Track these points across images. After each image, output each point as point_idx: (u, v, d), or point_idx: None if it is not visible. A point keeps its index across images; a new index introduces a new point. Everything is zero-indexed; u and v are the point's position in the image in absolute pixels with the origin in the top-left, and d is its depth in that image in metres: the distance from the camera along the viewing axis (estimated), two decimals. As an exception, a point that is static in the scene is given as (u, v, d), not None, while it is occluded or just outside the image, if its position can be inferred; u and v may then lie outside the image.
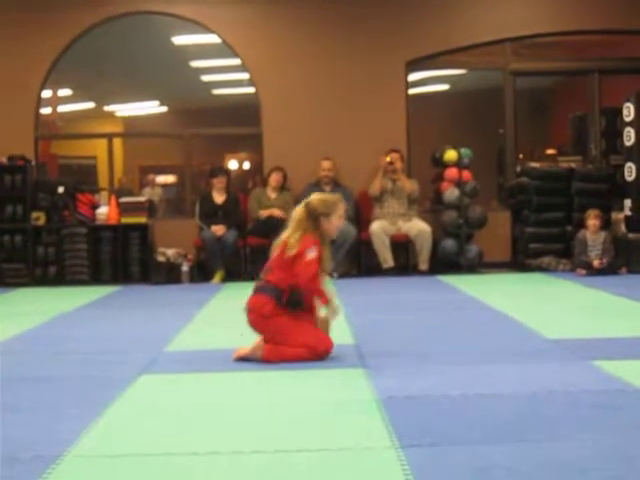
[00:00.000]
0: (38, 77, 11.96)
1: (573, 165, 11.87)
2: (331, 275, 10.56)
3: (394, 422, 3.74)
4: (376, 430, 3.64)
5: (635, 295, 8.29)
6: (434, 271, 11.09)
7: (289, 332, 5.28)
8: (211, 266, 11.06)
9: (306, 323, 5.35)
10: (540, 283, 10.06)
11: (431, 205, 12.02)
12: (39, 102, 12.12)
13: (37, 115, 12.12)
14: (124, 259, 11.18)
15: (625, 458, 3.17)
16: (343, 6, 11.98)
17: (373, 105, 11.86)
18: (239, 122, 12.76)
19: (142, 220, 11.28)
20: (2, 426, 3.83)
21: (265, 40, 12.03)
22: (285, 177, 11.43)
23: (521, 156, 12.95)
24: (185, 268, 11.02)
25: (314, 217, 5.34)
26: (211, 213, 11.22)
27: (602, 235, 10.64)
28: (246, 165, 16.00)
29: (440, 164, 11.72)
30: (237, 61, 12.17)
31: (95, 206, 11.44)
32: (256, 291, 5.45)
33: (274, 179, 11.42)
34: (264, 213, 11.13)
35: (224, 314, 8.01)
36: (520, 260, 11.54)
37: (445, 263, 11.37)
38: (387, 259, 11.09)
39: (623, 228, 11.14)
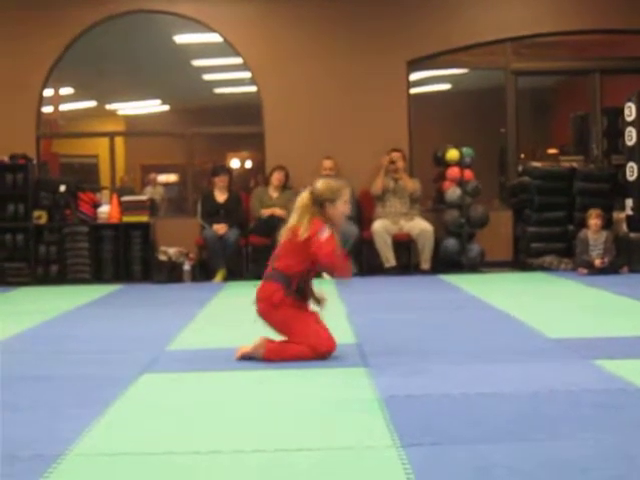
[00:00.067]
0: (39, 76, 11.97)
1: (575, 165, 11.87)
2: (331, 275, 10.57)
3: (395, 421, 3.73)
4: (377, 429, 3.64)
5: (637, 294, 8.28)
6: (436, 270, 11.09)
7: (295, 326, 5.27)
8: (213, 265, 11.06)
9: (312, 318, 5.34)
10: (542, 282, 10.06)
11: (433, 204, 12.03)
12: (41, 101, 12.12)
13: (39, 114, 12.13)
14: (126, 258, 11.18)
15: (627, 457, 3.16)
16: (344, 5, 11.99)
17: (375, 104, 11.87)
18: (241, 121, 12.76)
19: (144, 219, 11.29)
20: (2, 425, 3.83)
21: (267, 39, 12.04)
22: (287, 176, 11.43)
23: (523, 155, 12.95)
24: (187, 267, 11.02)
25: (319, 203, 5.31)
26: (213, 212, 11.22)
27: (604, 234, 10.64)
28: (248, 164, 16.01)
29: (442, 163, 11.72)
30: (239, 60, 12.17)
31: (97, 205, 11.45)
32: (265, 279, 5.41)
33: (276, 178, 11.42)
34: (266, 212, 11.13)
35: (226, 313, 8.02)
36: (522, 259, 11.54)
37: (447, 262, 11.37)
38: (389, 258, 11.10)
39: (625, 227, 11.14)
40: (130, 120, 14.97)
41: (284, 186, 11.41)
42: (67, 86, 13.48)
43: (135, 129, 14.97)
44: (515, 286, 9.99)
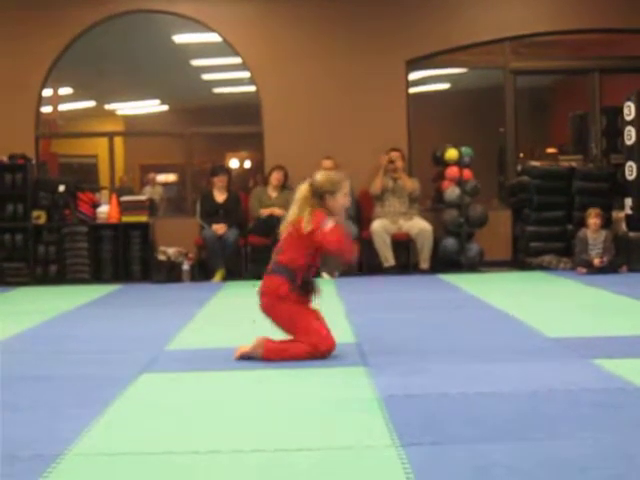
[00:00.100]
0: (39, 76, 11.96)
1: (574, 164, 11.87)
2: (332, 274, 10.58)
3: (395, 420, 3.74)
4: (377, 428, 3.64)
5: (636, 294, 8.29)
6: (435, 270, 11.09)
7: (298, 322, 5.26)
8: (212, 265, 11.06)
9: (313, 316, 5.34)
10: (541, 282, 10.06)
11: (432, 204, 12.02)
12: (40, 101, 12.12)
13: (38, 114, 12.12)
14: (125, 258, 11.18)
15: (625, 456, 3.16)
16: (343, 5, 11.99)
17: (374, 104, 11.87)
18: (240, 121, 12.76)
19: (143, 219, 11.29)
20: (2, 425, 3.83)
21: (266, 39, 12.04)
22: (286, 176, 11.43)
23: (522, 155, 12.96)
24: (186, 267, 11.01)
25: (319, 195, 5.31)
26: (212, 212, 11.22)
27: (603, 234, 10.64)
28: (247, 164, 16.02)
29: (441, 163, 11.72)
30: (238, 60, 12.17)
31: (96, 205, 11.44)
32: (268, 273, 5.39)
33: (275, 178, 11.42)
34: (265, 212, 11.14)
35: (225, 313, 8.03)
36: (521, 259, 11.54)
37: (446, 262, 11.37)
38: (388, 258, 11.10)
39: (624, 227, 11.14)
40: (129, 120, 14.98)
41: (283, 186, 11.41)
42: (66, 86, 13.48)
43: (134, 129, 14.97)
44: (514, 285, 9.99)
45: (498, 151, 12.91)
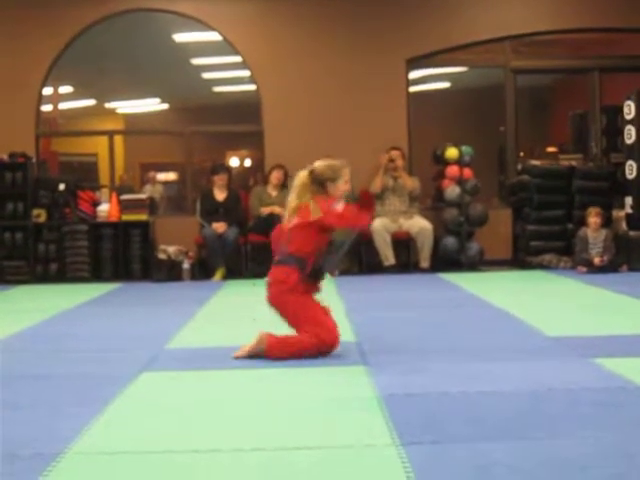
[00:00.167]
0: (39, 74, 11.95)
1: (574, 163, 11.87)
2: (332, 273, 10.58)
3: (395, 419, 3.73)
4: (377, 427, 3.64)
5: (636, 293, 8.28)
6: (435, 269, 11.09)
7: (306, 313, 5.23)
8: (212, 264, 11.06)
9: (321, 309, 5.33)
10: (541, 281, 10.06)
11: (432, 203, 12.03)
12: (40, 99, 12.11)
13: (38, 112, 12.12)
14: (125, 256, 11.18)
15: (626, 455, 3.16)
16: (344, 4, 11.98)
17: (374, 103, 11.86)
18: (240, 119, 12.76)
19: (143, 217, 11.28)
20: (2, 423, 3.83)
21: (266, 38, 12.03)
22: (286, 175, 11.41)
23: (522, 154, 12.96)
24: (186, 265, 11.01)
25: (320, 182, 5.31)
26: (212, 210, 11.22)
27: (603, 233, 10.64)
28: (247, 162, 16.03)
29: (441, 162, 11.72)
30: (238, 59, 12.17)
31: (96, 203, 11.44)
32: (276, 264, 5.36)
33: (275, 177, 11.42)
34: (265, 211, 11.13)
35: (225, 312, 8.03)
36: (521, 258, 11.53)
37: (446, 261, 11.37)
38: (388, 256, 11.10)
39: (624, 226, 11.14)
40: (129, 118, 14.99)
41: (283, 185, 11.39)
42: (66, 85, 13.49)
43: (134, 127, 14.97)
44: (514, 284, 9.99)
45: (498, 150, 12.91)
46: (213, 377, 4.88)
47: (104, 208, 11.36)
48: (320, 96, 11.95)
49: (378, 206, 11.41)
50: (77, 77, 13.30)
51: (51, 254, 11.16)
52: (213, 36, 12.16)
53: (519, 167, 12.04)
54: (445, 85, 14.12)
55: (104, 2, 11.95)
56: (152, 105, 14.83)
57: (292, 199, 5.35)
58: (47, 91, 12.33)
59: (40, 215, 11.23)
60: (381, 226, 11.13)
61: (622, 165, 11.27)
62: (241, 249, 11.30)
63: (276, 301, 5.32)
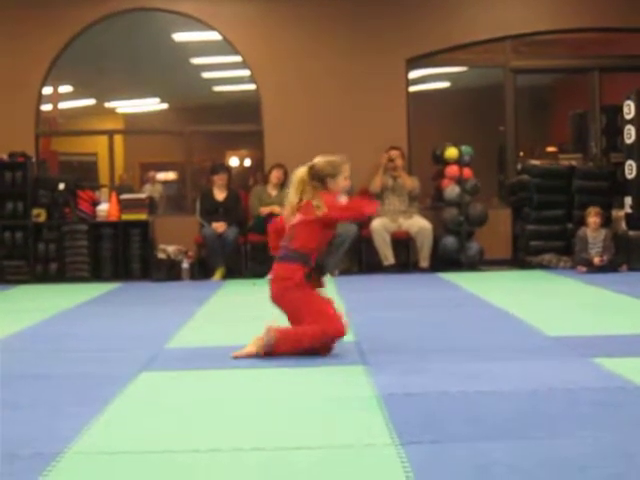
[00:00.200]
0: (39, 74, 11.95)
1: (574, 163, 11.88)
2: (332, 273, 10.57)
3: (394, 419, 3.73)
4: (376, 427, 3.64)
5: (636, 292, 8.29)
6: (435, 268, 11.09)
7: (311, 306, 5.22)
8: (212, 263, 11.06)
9: (326, 302, 5.32)
10: (541, 280, 10.06)
11: (432, 202, 12.02)
12: (40, 99, 12.11)
13: (38, 112, 12.12)
14: (125, 256, 11.18)
15: (625, 455, 3.16)
16: (344, 3, 11.98)
17: (374, 102, 11.86)
18: (240, 119, 12.76)
19: (143, 217, 11.28)
20: (2, 423, 3.83)
21: (266, 37, 12.03)
22: (286, 174, 11.40)
23: (522, 154, 12.95)
24: (186, 265, 11.01)
25: (319, 178, 5.31)
26: (212, 210, 11.22)
27: (603, 232, 10.64)
28: (247, 162, 16.02)
29: (441, 161, 11.72)
30: (238, 58, 12.17)
31: (96, 203, 11.44)
32: (279, 260, 5.35)
33: (275, 176, 11.42)
34: (265, 210, 11.13)
35: (225, 311, 8.02)
36: (521, 257, 11.54)
37: (446, 260, 11.37)
38: (388, 256, 11.10)
39: (624, 225, 11.14)
40: (129, 118, 14.97)
41: (283, 184, 11.39)
42: (66, 84, 13.48)
43: (134, 127, 14.96)
44: (514, 284, 9.99)
45: (498, 150, 12.90)
46: (213, 377, 4.88)
47: (104, 208, 11.36)
48: (320, 96, 11.95)
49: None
50: (77, 77, 13.30)
51: (51, 254, 11.16)
52: (213, 36, 12.16)
53: (519, 167, 12.04)
54: (445, 85, 14.12)
55: (104, 2, 11.95)
56: (152, 105, 14.83)
57: (291, 195, 5.35)
58: (47, 91, 12.33)
59: (40, 215, 11.23)
60: (381, 226, 11.13)
61: (622, 165, 11.27)
62: (241, 249, 11.30)
63: (278, 298, 5.32)
